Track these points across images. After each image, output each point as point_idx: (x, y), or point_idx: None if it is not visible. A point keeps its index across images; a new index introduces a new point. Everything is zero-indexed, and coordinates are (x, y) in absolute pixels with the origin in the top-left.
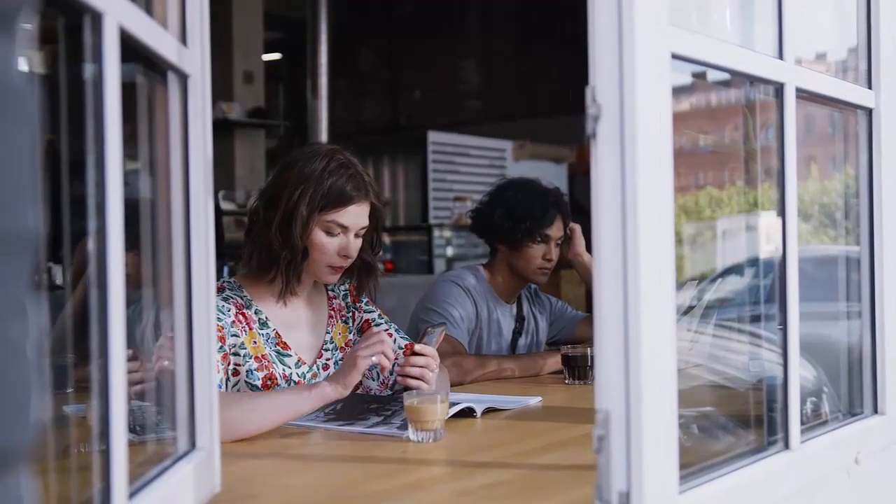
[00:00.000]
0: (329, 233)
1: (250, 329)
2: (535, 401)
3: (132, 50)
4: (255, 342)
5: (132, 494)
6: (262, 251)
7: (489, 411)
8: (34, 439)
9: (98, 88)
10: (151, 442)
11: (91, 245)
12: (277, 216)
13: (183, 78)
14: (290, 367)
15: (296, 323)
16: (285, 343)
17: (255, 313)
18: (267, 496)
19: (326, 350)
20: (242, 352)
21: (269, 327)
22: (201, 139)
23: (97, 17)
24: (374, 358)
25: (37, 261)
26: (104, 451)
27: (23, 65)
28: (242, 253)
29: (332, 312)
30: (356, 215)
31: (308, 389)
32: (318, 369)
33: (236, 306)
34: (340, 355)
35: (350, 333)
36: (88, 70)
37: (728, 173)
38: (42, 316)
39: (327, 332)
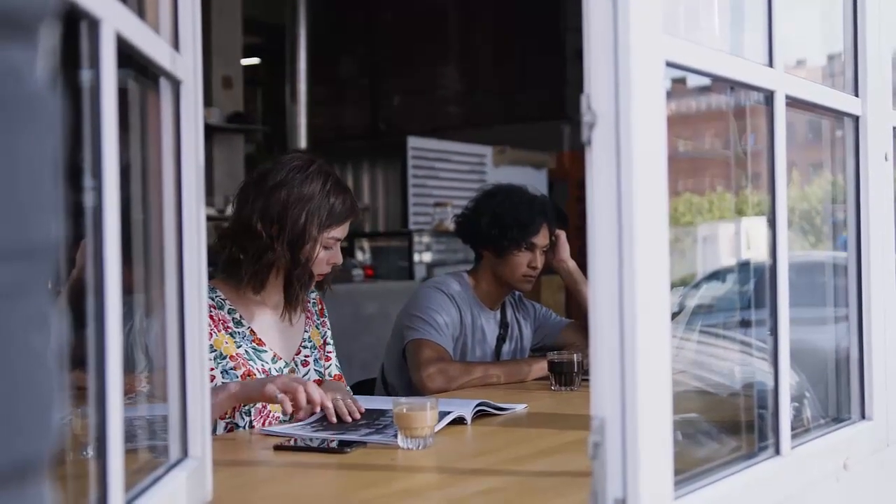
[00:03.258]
0: (325, 247)
1: (219, 331)
2: (521, 407)
3: (125, 55)
4: (226, 343)
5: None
6: (266, 269)
7: (479, 416)
8: (56, 448)
9: (95, 94)
10: (141, 450)
11: (81, 252)
12: (285, 237)
13: (175, 84)
14: (267, 363)
15: (273, 323)
16: (260, 340)
17: (229, 313)
18: None
19: (305, 347)
20: (212, 353)
21: (244, 326)
22: (193, 145)
23: (94, 24)
24: (279, 395)
25: (57, 270)
26: (101, 460)
27: (44, 74)
28: (222, 260)
29: (308, 313)
30: (347, 227)
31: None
32: (296, 365)
33: None
34: (318, 353)
35: (321, 338)
36: (84, 76)
37: (708, 179)
38: (61, 325)
39: (305, 331)
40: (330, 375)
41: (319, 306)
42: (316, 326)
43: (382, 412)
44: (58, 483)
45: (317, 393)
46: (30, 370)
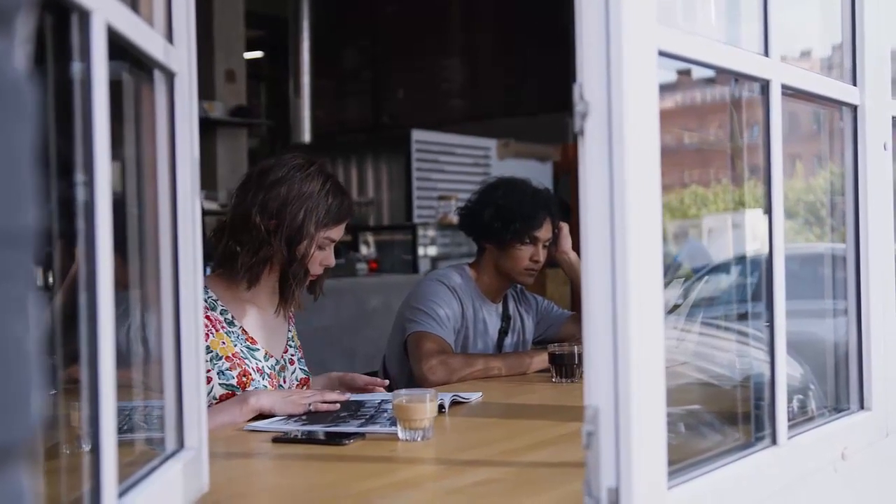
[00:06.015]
0: (320, 247)
1: (217, 330)
2: (475, 396)
3: (118, 48)
4: (223, 342)
5: (121, 494)
6: (262, 263)
7: (480, 406)
8: (35, 436)
9: (86, 87)
10: (138, 441)
11: (77, 246)
12: (282, 233)
13: (170, 76)
14: (260, 361)
15: (261, 322)
16: (252, 338)
17: (221, 313)
18: (255, 496)
19: (291, 346)
20: (209, 355)
21: (235, 325)
22: (188, 138)
23: (85, 15)
24: (311, 407)
25: (34, 259)
26: (94, 451)
27: (21, 63)
28: (217, 254)
29: (291, 315)
30: (343, 230)
31: (240, 405)
32: (285, 362)
33: None
34: (300, 354)
35: (298, 338)
36: (75, 68)
37: (713, 171)
38: (41, 313)
39: (289, 331)
40: (296, 380)
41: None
42: (295, 326)
43: (361, 403)
44: (54, 475)
45: (333, 395)
46: (9, 356)
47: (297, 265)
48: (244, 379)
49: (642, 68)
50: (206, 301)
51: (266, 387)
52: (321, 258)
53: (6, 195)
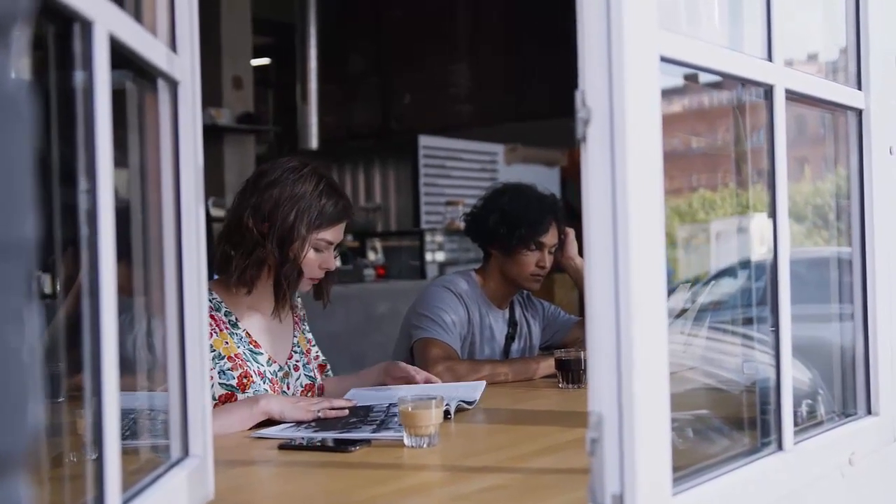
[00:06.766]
0: (317, 249)
1: (221, 331)
2: (480, 388)
3: (121, 57)
4: (226, 343)
5: (125, 502)
6: (255, 266)
7: (459, 410)
8: (32, 445)
9: (88, 95)
10: (143, 448)
11: (83, 254)
12: (274, 235)
13: (173, 85)
14: (262, 365)
15: (265, 327)
16: (256, 342)
17: (225, 315)
18: (260, 503)
19: (296, 352)
20: (212, 354)
21: (239, 328)
22: (192, 146)
23: (87, 25)
24: (320, 414)
25: (32, 268)
26: (98, 459)
27: (19, 72)
28: (218, 258)
29: (297, 319)
30: (341, 232)
31: (249, 407)
32: (289, 368)
33: None
34: (306, 359)
35: (307, 343)
36: (78, 77)
37: (721, 175)
38: (38, 323)
39: (294, 336)
40: (311, 380)
41: (303, 311)
42: (303, 332)
43: (369, 409)
44: (60, 482)
45: (341, 402)
46: (5, 367)
47: (290, 266)
48: (244, 381)
49: (644, 74)
50: (210, 302)
51: (266, 391)
52: (320, 261)
53: (2, 206)
